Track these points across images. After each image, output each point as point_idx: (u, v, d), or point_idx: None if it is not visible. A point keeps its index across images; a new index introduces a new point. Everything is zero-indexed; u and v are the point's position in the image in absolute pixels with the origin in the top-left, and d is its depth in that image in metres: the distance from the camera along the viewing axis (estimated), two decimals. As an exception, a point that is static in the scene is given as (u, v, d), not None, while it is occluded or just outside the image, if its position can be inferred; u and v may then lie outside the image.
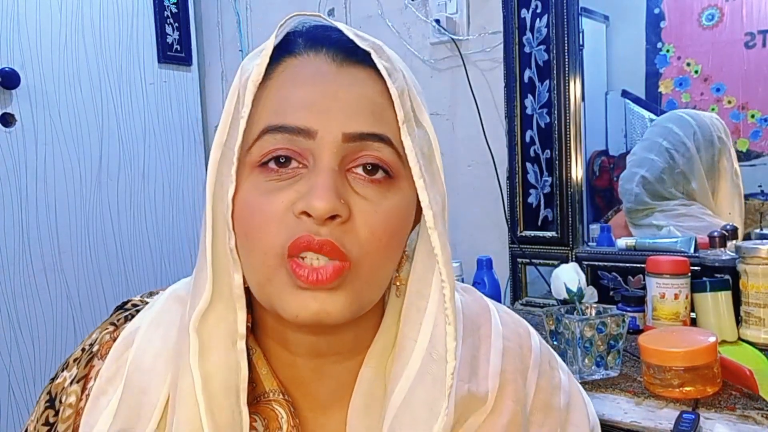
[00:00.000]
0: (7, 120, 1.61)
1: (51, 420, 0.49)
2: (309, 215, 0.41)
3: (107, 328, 0.52)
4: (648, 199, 1.36)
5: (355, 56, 0.44)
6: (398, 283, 0.50)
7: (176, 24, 1.99)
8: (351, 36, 0.44)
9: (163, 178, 1.95)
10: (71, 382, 0.49)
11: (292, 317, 0.42)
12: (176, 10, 1.99)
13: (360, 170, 0.43)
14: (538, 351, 0.55)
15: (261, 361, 0.49)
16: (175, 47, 1.99)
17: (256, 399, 0.48)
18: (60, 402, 0.49)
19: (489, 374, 0.50)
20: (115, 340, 0.50)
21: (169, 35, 1.97)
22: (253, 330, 0.50)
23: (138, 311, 0.53)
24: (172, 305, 0.51)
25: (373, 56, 0.44)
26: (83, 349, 0.52)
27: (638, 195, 1.37)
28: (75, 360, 0.51)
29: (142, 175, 1.90)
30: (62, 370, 0.51)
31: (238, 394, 0.44)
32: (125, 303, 0.55)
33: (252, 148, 0.43)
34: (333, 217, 0.41)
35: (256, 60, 0.44)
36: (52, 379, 0.51)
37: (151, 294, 0.56)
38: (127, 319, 0.52)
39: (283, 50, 0.45)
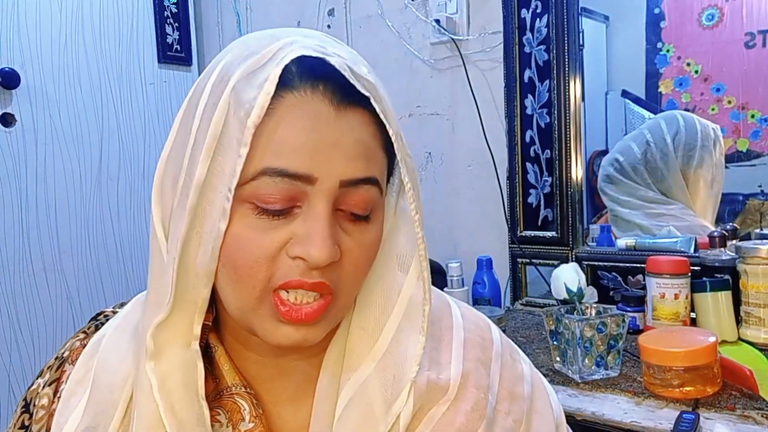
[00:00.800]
0: (7, 120, 1.61)
1: (26, 423, 0.52)
2: (300, 259, 0.42)
3: (78, 336, 0.55)
4: (618, 180, 1.38)
5: (352, 97, 0.43)
6: None
7: (176, 24, 1.99)
8: (348, 76, 0.43)
9: (163, 178, 1.95)
10: (44, 386, 0.52)
11: (274, 343, 0.45)
12: (176, 10, 1.99)
13: (348, 212, 0.45)
14: (498, 343, 0.56)
15: (223, 357, 0.50)
16: (175, 47, 1.99)
17: (218, 394, 0.49)
18: (34, 405, 0.52)
19: (451, 363, 0.51)
20: (84, 347, 0.53)
21: (169, 35, 1.97)
22: (215, 327, 0.51)
23: (108, 319, 0.55)
24: (137, 309, 0.53)
25: (372, 102, 0.43)
26: (56, 357, 0.54)
27: (610, 175, 1.40)
28: (48, 367, 0.54)
29: (142, 175, 1.90)
30: (37, 378, 0.54)
31: (196, 389, 0.46)
32: (98, 314, 0.58)
33: (246, 185, 0.42)
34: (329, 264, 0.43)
35: (254, 93, 0.41)
36: (29, 387, 0.54)
37: (122, 305, 0.58)
38: (97, 328, 0.55)
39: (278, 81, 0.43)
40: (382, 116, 0.44)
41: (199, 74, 1.91)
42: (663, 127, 1.34)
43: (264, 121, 0.41)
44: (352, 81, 0.43)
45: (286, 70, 0.42)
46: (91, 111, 1.78)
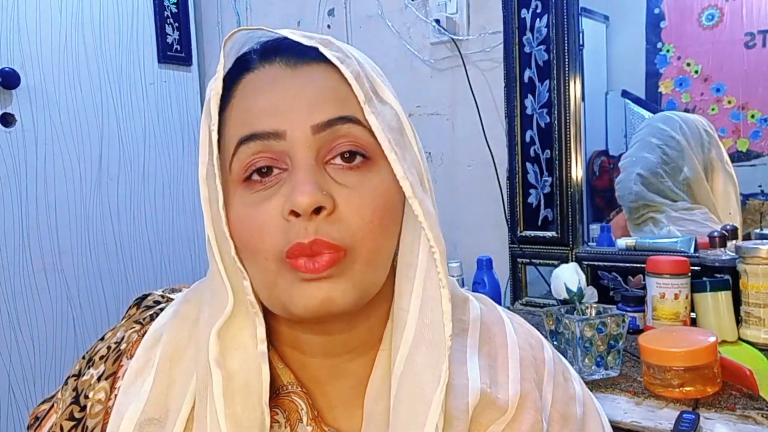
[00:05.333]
0: (7, 120, 1.61)
1: (77, 415, 0.49)
2: (296, 214, 0.42)
3: (133, 327, 0.53)
4: (649, 196, 1.36)
5: (307, 56, 0.46)
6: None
7: (176, 24, 1.99)
8: (298, 39, 0.45)
9: (163, 178, 1.95)
10: (98, 379, 0.50)
11: (302, 310, 0.43)
12: (176, 10, 1.99)
13: (338, 160, 0.44)
14: (552, 362, 0.55)
15: (276, 357, 0.50)
16: (175, 47, 1.99)
17: (275, 392, 0.49)
18: (86, 398, 0.50)
19: (509, 383, 0.50)
20: (142, 338, 0.51)
21: (169, 35, 1.97)
22: (268, 339, 0.50)
23: (162, 309, 0.54)
24: (193, 301, 0.52)
25: (322, 50, 0.45)
26: (109, 347, 0.52)
27: (638, 193, 1.37)
28: (101, 358, 0.51)
29: (142, 175, 1.90)
30: (88, 367, 0.51)
31: (260, 394, 0.45)
32: (145, 297, 0.56)
33: (232, 165, 0.45)
34: (318, 211, 0.42)
35: (213, 84, 0.46)
36: (76, 376, 0.51)
37: (173, 290, 0.57)
38: (152, 318, 0.53)
39: (241, 68, 0.47)
40: (336, 61, 0.44)
41: (200, 74, 1.91)
42: (664, 127, 1.34)
43: (232, 104, 0.46)
44: (301, 41, 0.45)
45: (247, 58, 0.47)
46: (91, 111, 1.78)
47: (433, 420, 0.43)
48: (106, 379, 0.50)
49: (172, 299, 0.55)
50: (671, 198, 1.34)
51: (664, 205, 1.34)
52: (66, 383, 0.52)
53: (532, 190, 1.38)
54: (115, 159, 1.84)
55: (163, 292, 0.57)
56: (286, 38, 0.46)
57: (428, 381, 0.44)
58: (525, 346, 0.54)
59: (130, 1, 1.87)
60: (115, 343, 0.52)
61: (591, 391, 0.86)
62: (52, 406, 0.52)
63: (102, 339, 0.53)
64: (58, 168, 1.71)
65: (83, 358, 0.53)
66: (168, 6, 1.96)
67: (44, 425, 0.51)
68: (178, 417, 0.46)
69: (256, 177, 0.44)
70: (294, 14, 1.87)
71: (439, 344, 0.44)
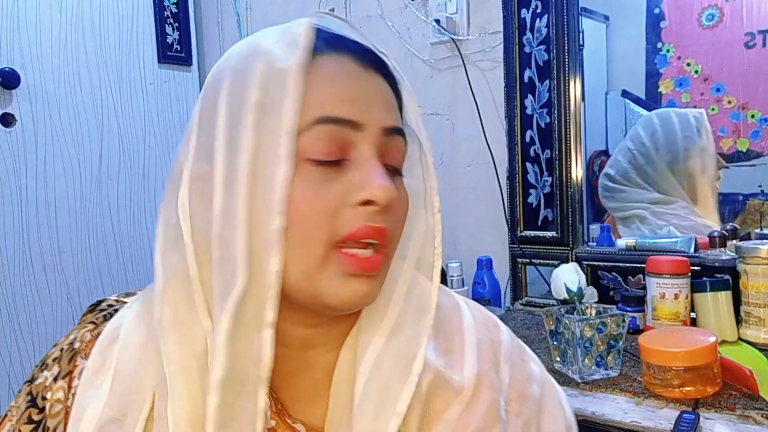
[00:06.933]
0: (7, 120, 1.61)
1: (35, 418, 0.49)
2: (369, 203, 0.44)
3: (87, 327, 0.52)
4: (615, 190, 1.41)
5: (373, 61, 0.48)
6: None
7: (176, 24, 1.99)
8: (366, 44, 0.48)
9: (163, 178, 1.95)
10: (55, 379, 0.50)
11: (339, 302, 0.45)
12: (176, 10, 1.99)
13: (391, 163, 0.48)
14: (508, 344, 0.56)
15: None
16: (175, 47, 1.99)
17: None
18: (44, 399, 0.49)
19: (465, 365, 0.51)
20: (96, 338, 0.50)
21: (169, 35, 1.97)
22: None
23: (116, 310, 0.53)
24: (150, 301, 0.50)
25: (389, 64, 0.49)
26: (62, 349, 0.52)
27: (607, 187, 1.43)
28: (55, 359, 0.51)
29: (142, 175, 1.90)
30: (41, 371, 0.51)
31: (257, 383, 0.43)
32: (99, 302, 0.56)
33: (300, 139, 0.43)
34: (388, 205, 0.45)
35: (291, 52, 0.44)
36: (30, 382, 0.51)
37: (127, 294, 0.57)
38: (106, 318, 0.53)
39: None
40: (398, 76, 0.49)
41: (200, 74, 1.90)
42: (640, 131, 1.36)
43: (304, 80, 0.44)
44: (370, 46, 0.48)
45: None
46: (91, 111, 1.78)
47: (402, 407, 0.45)
48: (63, 378, 0.49)
49: (126, 302, 0.54)
50: (641, 199, 1.37)
51: (641, 202, 1.37)
52: (19, 393, 0.51)
53: (532, 190, 1.38)
54: (115, 159, 1.84)
55: (117, 296, 0.57)
56: (350, 38, 0.48)
57: (395, 372, 0.47)
58: (482, 329, 0.55)
59: (130, 1, 1.87)
60: (68, 344, 0.52)
61: (591, 391, 0.87)
62: (5, 416, 0.51)
63: (54, 345, 0.53)
64: (58, 168, 1.71)
65: (36, 366, 0.52)
66: (168, 6, 1.96)
67: None
68: (139, 417, 0.45)
69: (323, 158, 0.44)
70: (294, 14, 1.86)
71: (411, 337, 0.48)
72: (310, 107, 0.44)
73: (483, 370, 0.51)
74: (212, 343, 0.43)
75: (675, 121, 1.32)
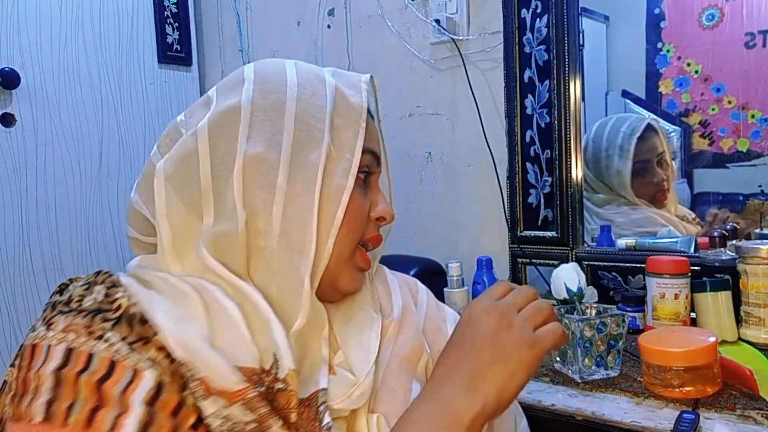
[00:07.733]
0: (7, 120, 1.61)
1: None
2: (382, 219, 0.62)
3: (95, 343, 0.50)
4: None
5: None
6: None
7: (176, 24, 1.99)
8: (373, 97, 0.67)
9: (163, 178, 1.95)
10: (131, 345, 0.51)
11: (349, 287, 0.61)
12: (176, 10, 1.99)
13: None
14: (425, 294, 0.73)
15: None
16: (175, 47, 1.99)
17: None
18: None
19: (393, 302, 0.66)
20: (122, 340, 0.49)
21: (169, 35, 1.97)
22: None
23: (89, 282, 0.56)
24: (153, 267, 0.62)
25: (375, 114, 0.67)
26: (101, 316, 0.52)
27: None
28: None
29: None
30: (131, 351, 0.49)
31: (321, 327, 0.57)
32: (69, 282, 0.57)
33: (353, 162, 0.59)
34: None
35: (359, 96, 0.61)
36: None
37: (97, 273, 0.57)
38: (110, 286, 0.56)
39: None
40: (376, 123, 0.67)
41: (199, 74, 1.89)
42: (592, 135, 1.43)
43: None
44: (374, 99, 0.66)
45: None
46: (91, 111, 1.78)
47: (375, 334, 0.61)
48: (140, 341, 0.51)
49: (99, 282, 0.55)
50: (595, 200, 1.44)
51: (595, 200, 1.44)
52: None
53: (532, 190, 1.38)
54: (115, 159, 1.84)
55: (87, 277, 0.57)
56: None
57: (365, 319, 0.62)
58: (402, 282, 0.72)
59: (130, 1, 1.87)
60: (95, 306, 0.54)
61: (591, 391, 0.87)
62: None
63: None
64: (58, 168, 1.71)
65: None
66: (168, 6, 1.96)
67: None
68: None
69: (361, 177, 0.60)
70: (294, 14, 1.87)
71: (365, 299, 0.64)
72: (360, 139, 0.59)
73: (406, 304, 0.67)
74: (296, 297, 0.53)
75: (607, 128, 1.40)
